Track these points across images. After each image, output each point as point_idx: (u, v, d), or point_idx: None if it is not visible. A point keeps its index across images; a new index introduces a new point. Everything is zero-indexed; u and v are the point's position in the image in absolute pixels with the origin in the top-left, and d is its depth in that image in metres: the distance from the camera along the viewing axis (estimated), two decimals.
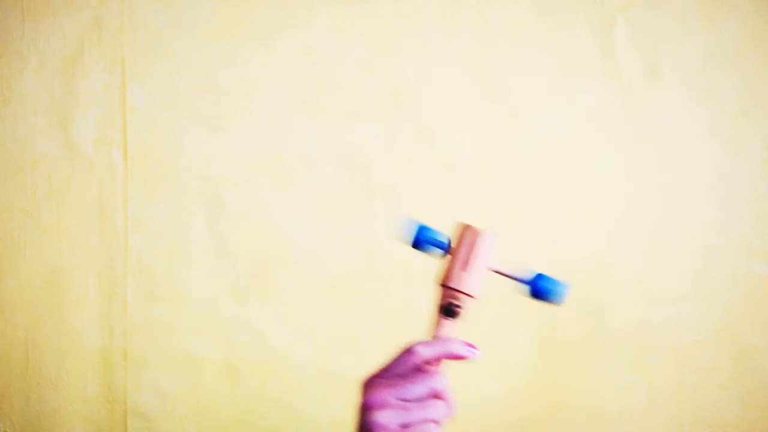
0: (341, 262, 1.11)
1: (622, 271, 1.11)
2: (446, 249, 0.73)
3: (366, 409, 0.66)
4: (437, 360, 0.69)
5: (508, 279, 0.73)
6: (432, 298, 1.17)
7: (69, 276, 1.12)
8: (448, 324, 0.72)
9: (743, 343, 1.11)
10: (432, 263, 1.11)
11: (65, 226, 1.12)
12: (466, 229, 0.73)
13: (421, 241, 0.73)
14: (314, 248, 1.11)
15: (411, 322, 1.13)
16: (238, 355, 1.12)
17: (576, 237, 1.11)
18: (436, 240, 0.73)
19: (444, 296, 0.72)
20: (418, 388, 0.67)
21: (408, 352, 0.69)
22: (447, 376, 0.68)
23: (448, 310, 0.72)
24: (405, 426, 0.65)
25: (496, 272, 0.73)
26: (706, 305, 1.11)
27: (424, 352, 0.68)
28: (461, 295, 0.71)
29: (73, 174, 1.12)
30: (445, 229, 0.73)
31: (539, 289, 0.73)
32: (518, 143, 1.11)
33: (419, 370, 0.68)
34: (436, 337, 0.71)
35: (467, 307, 0.72)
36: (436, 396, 0.67)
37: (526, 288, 0.73)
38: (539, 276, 0.73)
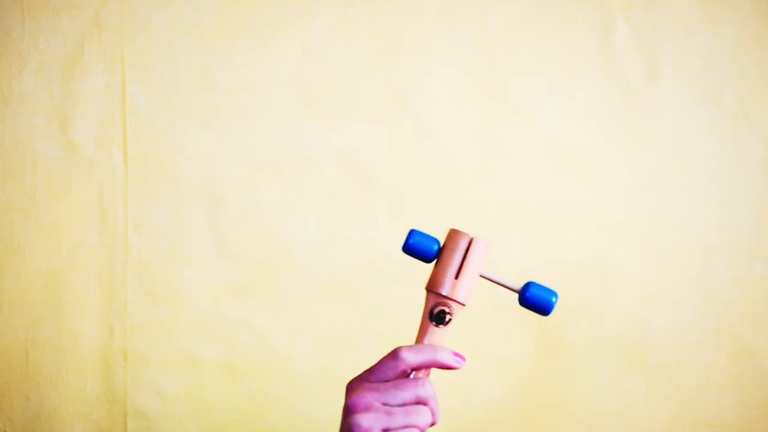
0: (341, 262, 1.11)
1: (622, 271, 1.11)
2: (437, 254, 0.71)
3: (350, 411, 0.66)
4: (424, 367, 0.68)
5: (499, 286, 0.71)
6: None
7: (69, 276, 1.12)
8: (437, 331, 0.70)
9: (743, 343, 1.11)
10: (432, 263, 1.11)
11: (65, 226, 1.12)
12: (457, 234, 0.70)
13: (413, 245, 0.71)
14: (314, 248, 1.11)
15: (411, 322, 1.13)
16: (238, 355, 1.12)
17: (576, 237, 1.11)
18: (427, 244, 0.71)
19: (434, 302, 0.70)
20: (403, 394, 0.66)
21: (395, 357, 0.68)
22: (432, 384, 0.67)
23: (438, 317, 0.70)
24: (387, 431, 0.65)
25: (487, 279, 0.71)
26: (706, 305, 1.11)
27: (411, 359, 0.67)
28: (451, 303, 0.69)
29: (73, 174, 1.12)
30: (440, 232, 0.73)
31: (530, 297, 0.70)
32: (518, 143, 1.11)
33: (406, 375, 0.68)
34: (423, 344, 0.69)
35: (456, 315, 0.70)
36: (420, 403, 0.67)
37: (517, 296, 0.72)
38: (530, 284, 0.71)
